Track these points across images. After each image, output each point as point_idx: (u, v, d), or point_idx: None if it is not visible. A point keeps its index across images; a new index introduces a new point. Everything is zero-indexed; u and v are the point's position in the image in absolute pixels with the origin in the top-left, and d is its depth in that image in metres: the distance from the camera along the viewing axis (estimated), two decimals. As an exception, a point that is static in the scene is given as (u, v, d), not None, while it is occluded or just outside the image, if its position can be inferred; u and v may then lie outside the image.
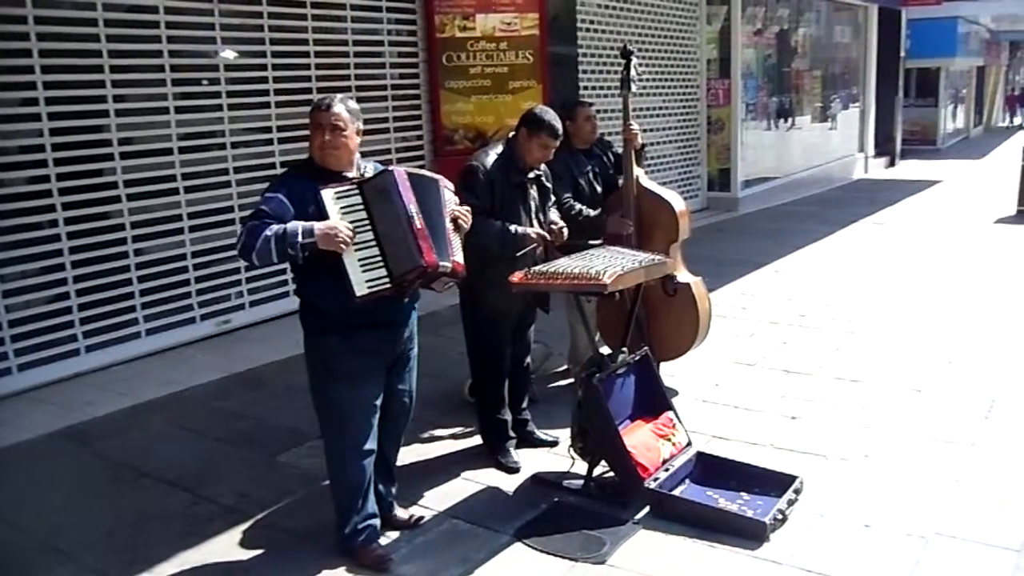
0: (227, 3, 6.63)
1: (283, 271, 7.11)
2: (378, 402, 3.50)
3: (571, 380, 5.50)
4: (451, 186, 3.60)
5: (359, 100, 7.17)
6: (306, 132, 7.24)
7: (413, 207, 3.25)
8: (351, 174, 3.37)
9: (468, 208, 3.59)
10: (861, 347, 6.21)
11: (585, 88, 9.88)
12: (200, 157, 6.61)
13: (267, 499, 4.06)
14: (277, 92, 7.04)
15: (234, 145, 6.82)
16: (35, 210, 5.66)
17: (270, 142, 7.04)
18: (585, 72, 9.96)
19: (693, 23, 12.24)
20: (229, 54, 6.72)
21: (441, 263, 3.29)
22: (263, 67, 6.94)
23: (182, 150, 6.44)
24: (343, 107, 3.33)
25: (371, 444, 3.48)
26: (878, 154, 18.93)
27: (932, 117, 24.99)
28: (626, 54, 5.03)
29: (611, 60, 10.25)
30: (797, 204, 13.89)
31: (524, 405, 4.61)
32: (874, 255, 9.59)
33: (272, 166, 7.01)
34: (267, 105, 7.00)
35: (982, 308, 7.17)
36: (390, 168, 3.35)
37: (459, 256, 3.42)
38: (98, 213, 5.99)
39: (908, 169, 19.13)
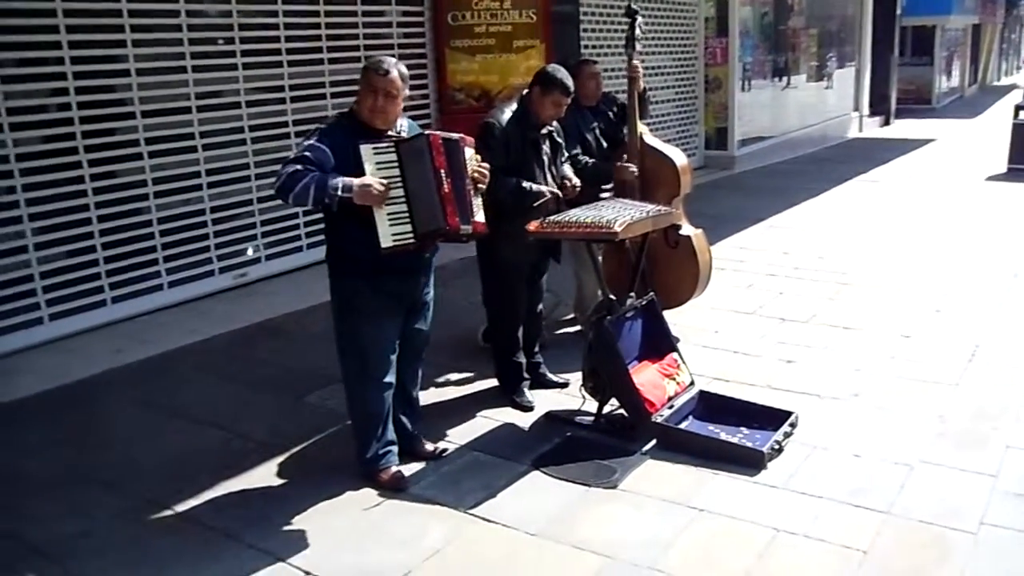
0: (239, -36, 6.79)
1: (296, 227, 7.37)
2: (397, 341, 3.79)
3: (578, 327, 5.81)
4: (472, 142, 3.81)
5: (365, 59, 7.41)
6: (318, 91, 7.48)
7: (443, 171, 3.49)
8: (390, 132, 3.60)
9: (487, 166, 3.83)
10: (853, 297, 6.49)
11: (586, 47, 10.06)
12: (216, 116, 6.81)
13: (297, 435, 4.34)
14: (289, 52, 7.23)
15: (248, 104, 7.01)
16: (63, 166, 5.87)
17: (283, 101, 7.24)
18: (586, 31, 10.14)
19: (692, -19, 12.39)
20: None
21: (463, 227, 3.55)
22: (275, 27, 7.12)
23: (199, 108, 6.64)
24: (397, 72, 3.53)
25: (390, 378, 3.77)
26: (873, 113, 19.13)
27: (927, 76, 25.11)
28: (631, 13, 5.25)
29: (612, 19, 10.44)
30: (792, 163, 14.12)
31: (536, 349, 4.91)
32: (867, 211, 9.86)
33: (285, 124, 7.23)
34: (279, 64, 7.19)
35: (969, 261, 7.46)
36: (426, 132, 3.58)
37: (480, 216, 3.67)
38: (122, 170, 6.21)
39: (903, 128, 19.32)
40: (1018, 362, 5.13)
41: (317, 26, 7.41)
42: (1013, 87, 34.20)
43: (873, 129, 18.85)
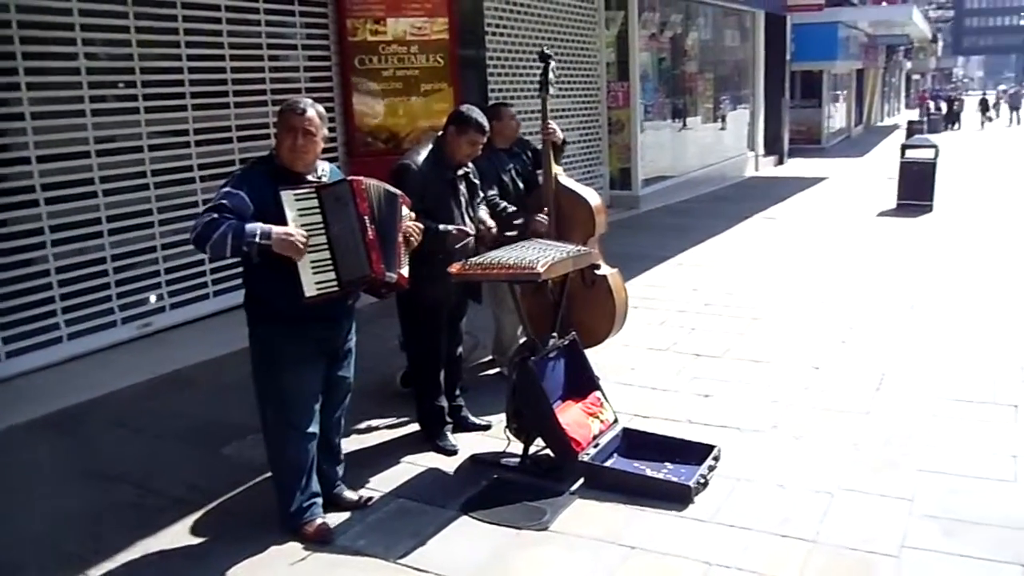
0: (141, 6, 6.63)
1: (202, 274, 7.17)
2: (319, 389, 3.70)
3: (497, 369, 5.79)
4: (409, 202, 3.80)
5: (273, 104, 7.29)
6: (224, 135, 7.33)
7: (367, 217, 3.45)
8: (311, 176, 3.54)
9: (421, 226, 3.80)
10: (763, 331, 6.65)
11: (493, 90, 10.16)
12: (117, 160, 6.60)
13: (215, 489, 4.17)
14: (194, 96, 7.08)
15: (151, 148, 6.82)
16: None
17: (187, 144, 7.08)
18: (493, 75, 10.24)
19: (593, 28, 12.66)
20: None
21: (388, 274, 3.53)
22: (179, 69, 6.97)
23: (99, 153, 6.43)
24: (315, 112, 3.49)
25: (313, 428, 3.68)
26: (767, 153, 19.84)
27: (817, 117, 26.21)
28: (544, 58, 5.32)
29: (517, 63, 10.59)
30: (694, 201, 14.49)
31: (458, 392, 4.87)
32: (769, 247, 10.17)
33: (190, 168, 7.05)
34: (183, 108, 7.03)
35: (869, 294, 7.75)
36: (349, 178, 3.54)
37: (405, 270, 3.65)
38: (14, 218, 5.94)
39: (796, 167, 20.08)
40: (922, 389, 5.32)
41: (222, 69, 7.28)
42: (895, 127, 36.00)
43: (768, 168, 19.52)
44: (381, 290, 3.70)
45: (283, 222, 3.34)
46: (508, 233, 5.06)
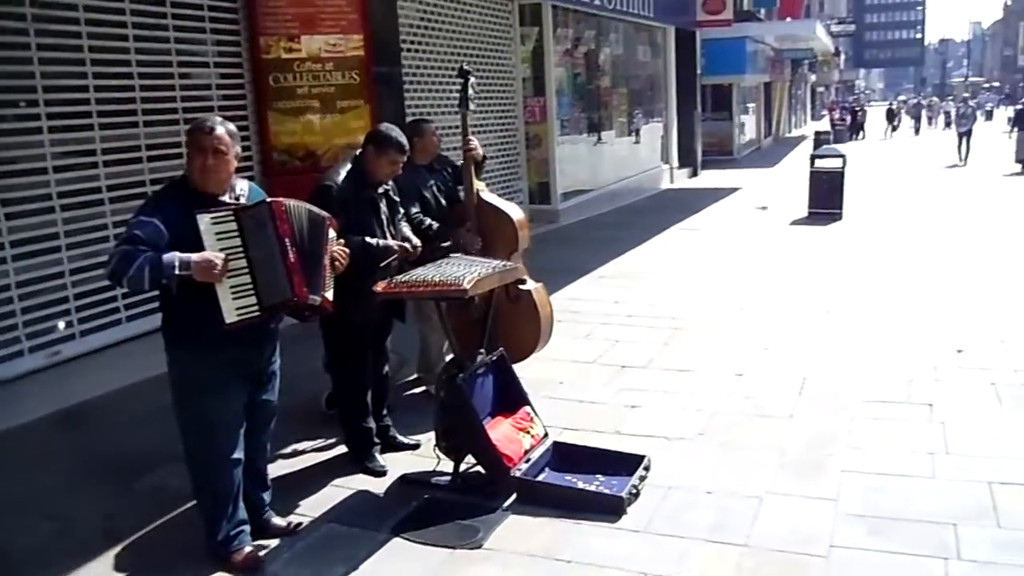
0: (43, 23, 6.41)
1: (114, 299, 6.93)
2: (243, 414, 3.60)
3: (423, 388, 5.73)
4: (336, 225, 3.72)
5: (184, 122, 7.09)
6: (133, 155, 7.11)
7: (288, 240, 3.37)
8: (226, 197, 3.44)
9: (347, 251, 3.74)
10: (686, 341, 6.74)
11: (410, 107, 10.10)
12: (20, 182, 6.34)
13: (138, 521, 4.03)
14: (100, 114, 6.85)
15: (56, 169, 6.57)
16: None
17: (94, 165, 6.84)
18: (409, 91, 10.19)
19: (508, 43, 12.72)
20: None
21: (311, 297, 3.45)
22: (84, 88, 6.74)
23: (1, 175, 6.17)
24: (224, 129, 3.39)
25: (238, 453, 3.57)
26: (682, 165, 20.18)
27: (728, 129, 26.84)
28: (464, 74, 5.31)
29: (434, 79, 10.55)
30: (613, 214, 14.64)
31: (385, 412, 4.79)
32: (688, 258, 10.33)
33: (98, 190, 6.81)
34: (90, 127, 6.80)
35: (786, 300, 7.92)
36: (269, 200, 3.45)
37: (330, 294, 3.58)
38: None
39: (710, 178, 20.48)
40: (842, 392, 5.45)
41: (130, 87, 7.07)
42: (803, 138, 37.08)
43: (683, 180, 19.86)
44: (305, 313, 3.62)
45: (201, 247, 3.24)
46: (443, 245, 5.03)
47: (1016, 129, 21.29)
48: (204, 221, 3.26)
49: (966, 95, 36.04)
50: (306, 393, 5.41)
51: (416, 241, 4.61)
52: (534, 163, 13.49)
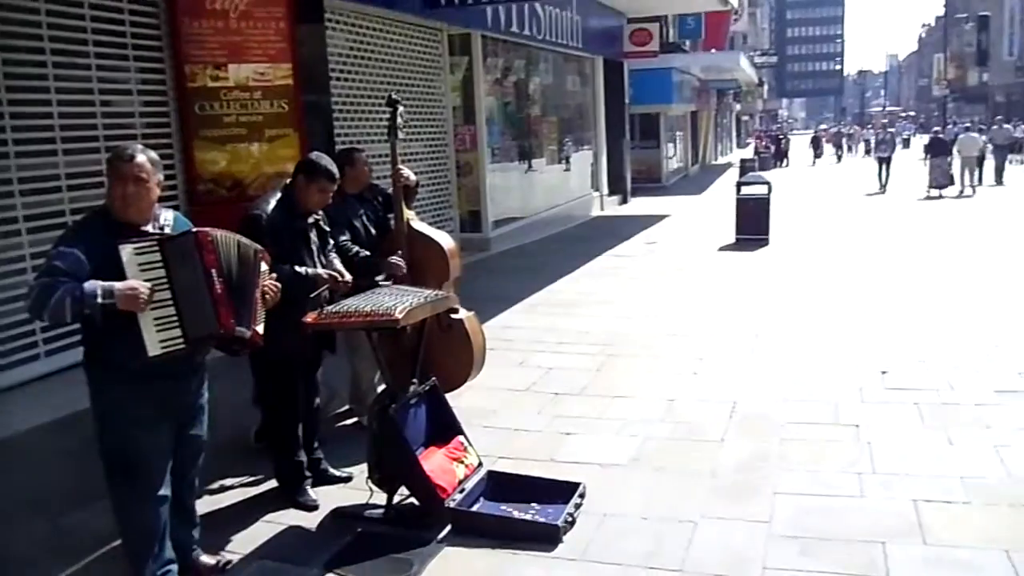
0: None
1: (31, 333, 6.70)
2: (169, 449, 3.50)
3: (355, 419, 5.65)
4: (268, 259, 3.66)
5: (106, 150, 6.92)
6: (53, 184, 6.92)
7: (215, 271, 3.30)
8: (149, 227, 3.36)
9: (279, 285, 3.68)
10: (618, 367, 6.78)
11: (339, 135, 10.04)
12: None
13: (58, 563, 3.88)
14: (17, 142, 6.65)
15: (-29, 200, 6.37)
16: None
17: (11, 195, 6.63)
18: (339, 120, 10.14)
19: (438, 72, 12.75)
20: None
21: (239, 329, 3.37)
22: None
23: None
24: (145, 157, 3.31)
25: (165, 490, 3.47)
26: (612, 192, 20.44)
27: (656, 157, 27.29)
28: (392, 103, 5.29)
29: (364, 108, 10.52)
30: (544, 242, 14.72)
31: (316, 445, 4.71)
32: (618, 284, 10.41)
33: (14, 220, 6.60)
34: (6, 155, 6.60)
35: (716, 324, 8.03)
36: (194, 229, 3.38)
37: (260, 327, 3.50)
38: None
39: (639, 205, 20.75)
40: (772, 414, 5.53)
41: (49, 115, 6.89)
42: (729, 165, 37.88)
43: (613, 207, 20.09)
44: (234, 347, 3.54)
45: (123, 279, 3.15)
46: (380, 277, 4.98)
47: (929, 156, 22.12)
48: (126, 252, 3.18)
49: (884, 122, 37.26)
50: (235, 427, 5.29)
51: (348, 277, 4.56)
52: (465, 191, 13.51)
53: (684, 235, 15.07)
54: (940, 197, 20.95)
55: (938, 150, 22.03)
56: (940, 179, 21.52)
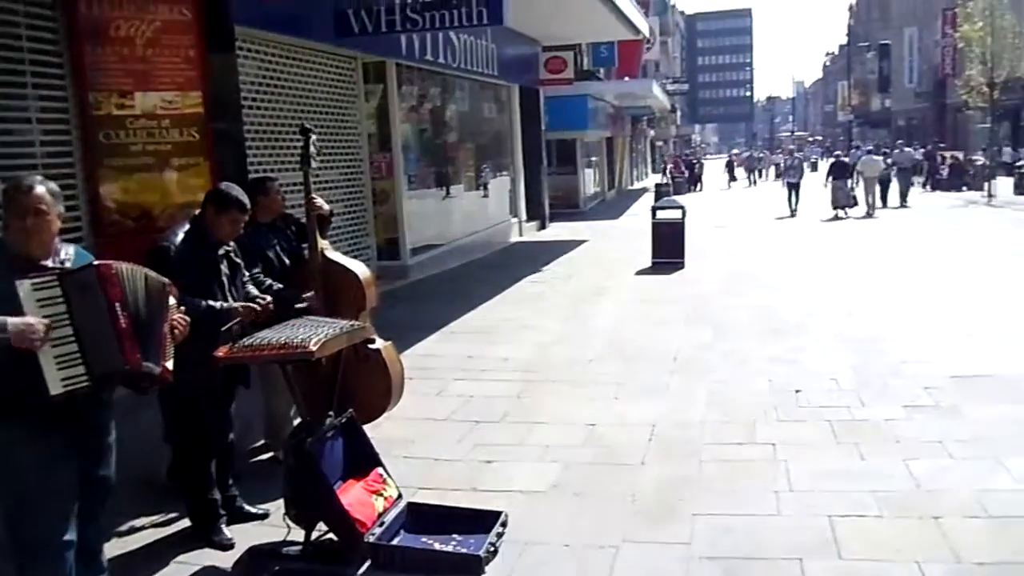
0: None
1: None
2: (74, 492, 3.35)
3: (271, 454, 5.52)
4: (176, 292, 3.56)
5: (3, 181, 6.68)
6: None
7: (119, 305, 3.19)
8: (49, 262, 3.23)
9: (188, 319, 3.57)
10: (539, 393, 6.78)
11: (252, 163, 9.88)
12: None
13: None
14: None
15: None
16: None
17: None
18: (251, 148, 9.97)
19: (353, 100, 12.67)
20: None
21: (146, 364, 3.27)
22: None
23: None
24: (45, 188, 3.20)
25: (70, 535, 3.32)
26: (530, 218, 20.56)
27: (573, 183, 27.58)
28: (305, 132, 5.22)
29: (277, 136, 10.38)
30: (463, 268, 14.70)
31: (231, 482, 4.58)
32: (538, 310, 10.44)
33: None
34: None
35: (634, 348, 8.11)
36: (96, 263, 3.26)
37: (170, 363, 3.39)
38: None
39: (557, 231, 20.91)
40: (690, 437, 5.60)
41: (-59, 147, 6.63)
42: (645, 190, 38.51)
43: (532, 233, 20.21)
44: (142, 383, 3.42)
45: (22, 315, 3.01)
46: (297, 307, 4.89)
47: (831, 179, 22.93)
48: (24, 287, 3.04)
49: (792, 148, 38.37)
50: (145, 465, 5.11)
51: (269, 299, 4.47)
52: (382, 219, 13.42)
53: (602, 259, 15.21)
54: (845, 217, 21.71)
55: (839, 173, 22.92)
56: (842, 200, 22.38)
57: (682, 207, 14.40)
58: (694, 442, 5.50)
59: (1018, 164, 28.95)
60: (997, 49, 27.07)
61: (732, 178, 43.81)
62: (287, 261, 5.30)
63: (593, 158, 31.79)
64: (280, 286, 5.06)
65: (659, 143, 65.25)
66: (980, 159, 30.70)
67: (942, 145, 38.88)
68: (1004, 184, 26.78)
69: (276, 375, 4.76)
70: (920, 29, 57.52)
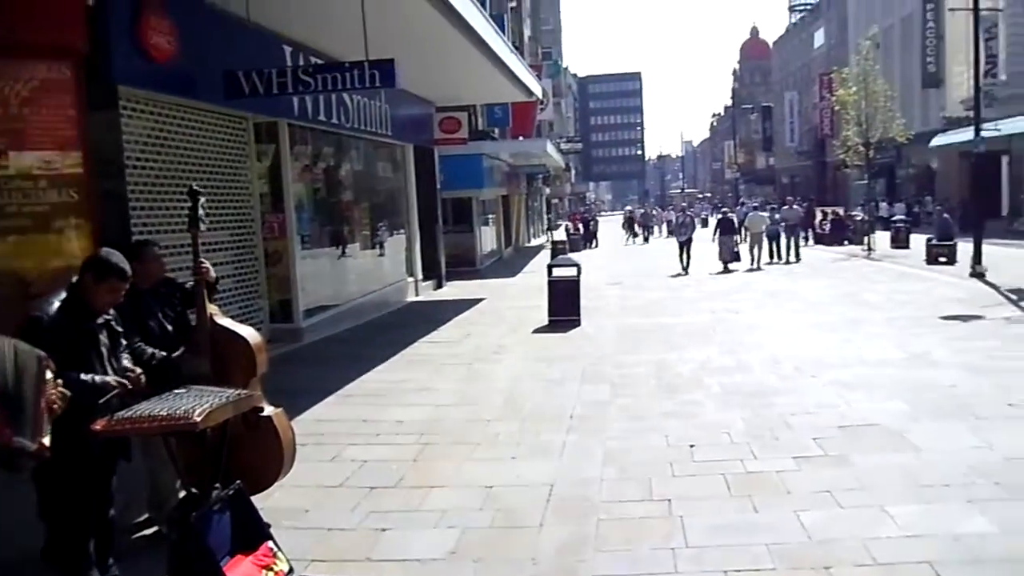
0: None
1: None
2: None
3: (155, 528, 5.27)
4: (52, 366, 3.38)
5: None
6: None
7: None
8: None
9: (67, 392, 3.41)
10: (435, 457, 6.69)
11: (136, 225, 9.59)
12: None
13: None
14: None
15: None
16: None
17: None
18: (136, 209, 9.68)
19: (244, 160, 12.47)
20: None
21: (17, 439, 3.09)
22: None
23: None
24: None
25: None
26: (426, 277, 20.51)
27: (470, 241, 27.72)
28: (193, 194, 5.09)
29: (164, 196, 10.11)
30: (358, 330, 14.49)
31: (111, 561, 4.34)
32: (434, 371, 10.35)
33: None
34: None
35: (532, 408, 8.11)
36: None
37: (47, 439, 3.22)
38: None
39: (454, 289, 20.91)
40: (588, 495, 5.61)
41: None
42: (541, 247, 38.97)
43: (428, 292, 20.15)
44: (17, 460, 3.22)
45: None
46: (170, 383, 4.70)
47: (718, 234, 23.72)
48: None
49: (683, 205, 39.55)
50: (18, 546, 4.80)
51: (139, 371, 4.29)
52: (275, 280, 13.15)
53: (499, 318, 15.22)
54: (731, 271, 22.44)
55: (725, 229, 23.79)
56: (727, 255, 23.21)
57: (577, 265, 14.58)
58: (592, 500, 5.50)
59: (894, 219, 30.56)
60: (871, 112, 28.96)
61: (633, 234, 44.82)
62: (170, 328, 5.12)
63: (489, 216, 32.07)
64: (164, 354, 4.88)
65: (555, 200, 66.40)
66: (859, 214, 32.20)
67: (818, 202, 40.77)
68: (882, 238, 28.10)
69: (159, 446, 4.56)
70: (800, 93, 60.60)
